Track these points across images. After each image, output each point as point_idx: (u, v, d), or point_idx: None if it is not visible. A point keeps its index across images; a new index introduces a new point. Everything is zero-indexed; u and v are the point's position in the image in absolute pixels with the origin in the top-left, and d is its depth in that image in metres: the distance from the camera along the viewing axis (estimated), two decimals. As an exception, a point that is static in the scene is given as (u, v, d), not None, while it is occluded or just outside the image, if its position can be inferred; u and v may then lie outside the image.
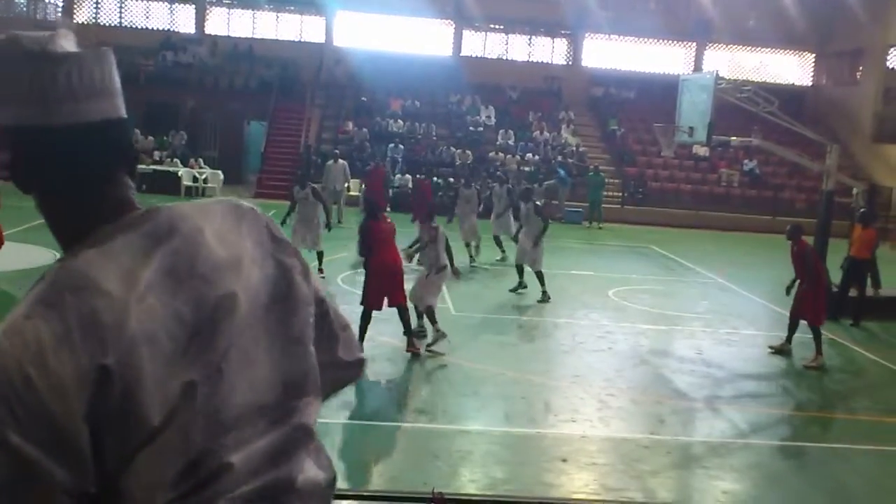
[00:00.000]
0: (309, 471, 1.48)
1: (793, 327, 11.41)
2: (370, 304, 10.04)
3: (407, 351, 10.38)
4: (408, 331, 10.36)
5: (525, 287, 14.34)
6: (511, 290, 14.37)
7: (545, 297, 13.80)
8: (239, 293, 1.40)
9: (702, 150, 29.33)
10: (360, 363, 1.75)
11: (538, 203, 15.09)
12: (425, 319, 10.97)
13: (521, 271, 14.39)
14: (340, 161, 22.80)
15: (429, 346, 10.51)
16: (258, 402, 1.40)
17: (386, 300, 10.15)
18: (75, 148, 1.39)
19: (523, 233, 14.41)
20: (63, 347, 1.23)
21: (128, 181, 1.47)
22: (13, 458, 1.20)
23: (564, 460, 7.55)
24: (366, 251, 10.33)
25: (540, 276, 13.94)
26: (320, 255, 14.53)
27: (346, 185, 23.30)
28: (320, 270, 14.31)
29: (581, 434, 8.22)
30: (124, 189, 1.45)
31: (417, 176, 25.79)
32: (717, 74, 15.18)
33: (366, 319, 10.00)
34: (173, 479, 1.30)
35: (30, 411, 1.21)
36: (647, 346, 11.93)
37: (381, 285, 10.04)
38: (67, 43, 1.42)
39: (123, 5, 32.84)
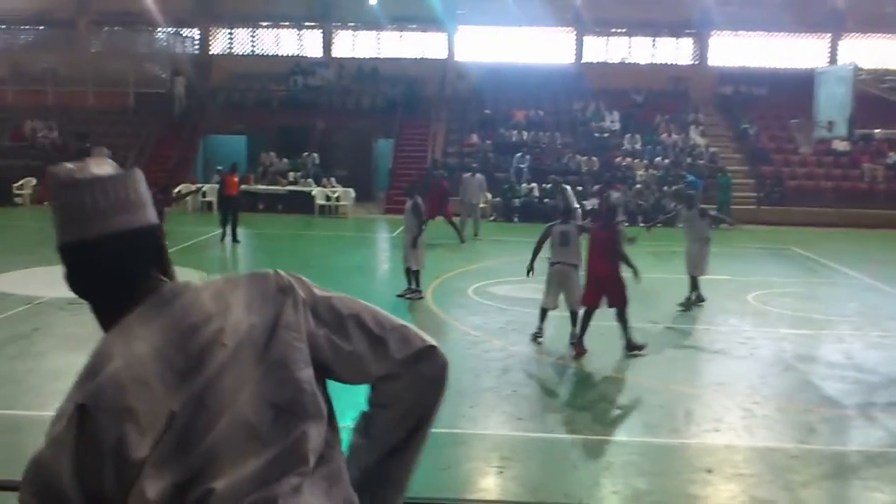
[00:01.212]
0: (307, 499, 1.55)
1: None
2: (584, 302, 10.86)
3: (574, 350, 10.79)
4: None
5: (703, 300, 13.86)
6: (681, 305, 13.73)
7: (693, 302, 13.56)
8: (226, 331, 1.58)
9: (842, 145, 28.05)
10: (429, 350, 1.78)
11: (703, 207, 14.63)
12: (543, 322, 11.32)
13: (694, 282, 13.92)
14: (477, 175, 22.76)
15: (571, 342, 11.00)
16: (246, 428, 1.53)
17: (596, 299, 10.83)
18: (108, 256, 1.63)
19: (689, 240, 13.90)
20: (67, 423, 1.55)
21: (158, 275, 1.69)
22: None
23: (709, 471, 7.36)
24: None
25: (696, 281, 13.71)
26: (416, 274, 14.03)
27: (482, 198, 23.36)
28: (416, 290, 14.00)
29: (725, 444, 8.00)
30: (155, 281, 1.67)
31: (435, 173, 24.78)
32: (856, 65, 14.56)
33: (586, 317, 10.78)
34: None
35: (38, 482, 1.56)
36: (791, 352, 11.50)
37: (590, 288, 10.84)
38: (99, 167, 1.65)
39: (255, 34, 34.20)
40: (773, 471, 7.42)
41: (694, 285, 13.79)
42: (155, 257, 1.69)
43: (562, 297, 11.16)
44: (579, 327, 10.82)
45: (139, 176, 1.71)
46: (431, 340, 1.78)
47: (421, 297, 13.93)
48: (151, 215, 1.70)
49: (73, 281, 1.66)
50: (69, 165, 1.65)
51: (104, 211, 1.62)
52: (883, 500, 6.91)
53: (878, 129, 16.65)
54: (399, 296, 13.95)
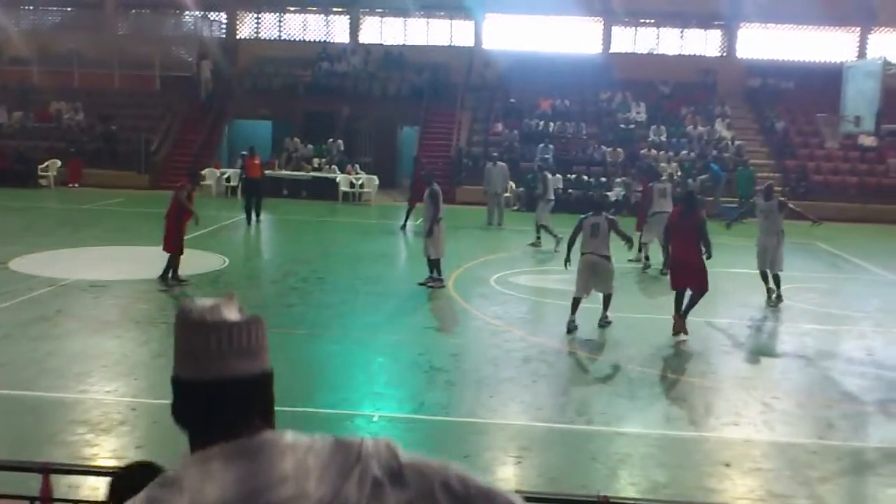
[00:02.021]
0: None
1: None
2: (672, 287, 11.52)
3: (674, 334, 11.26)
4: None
5: (780, 299, 13.60)
6: (769, 304, 13.56)
7: (774, 301, 13.44)
8: (295, 499, 1.60)
9: (869, 140, 27.80)
10: None
11: (782, 199, 14.35)
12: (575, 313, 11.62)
13: (765, 278, 13.67)
14: (500, 164, 22.73)
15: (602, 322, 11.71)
16: None
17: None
18: (219, 398, 1.67)
19: (764, 233, 13.65)
20: None
21: (259, 421, 1.70)
22: None
23: (727, 465, 7.38)
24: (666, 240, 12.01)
25: (777, 279, 13.47)
26: (436, 263, 14.07)
27: (505, 187, 23.34)
28: (438, 279, 14.04)
29: (744, 438, 8.01)
30: (254, 427, 1.68)
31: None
32: (885, 60, 14.40)
33: (676, 299, 11.40)
34: None
35: None
36: (812, 347, 11.46)
37: (676, 273, 11.44)
38: (229, 311, 1.70)
39: (282, 19, 34.29)
40: (791, 466, 7.43)
41: (776, 282, 13.39)
42: (262, 403, 1.72)
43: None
44: (674, 308, 11.37)
45: (263, 324, 1.73)
46: (518, 500, 1.75)
47: (443, 286, 13.99)
48: (267, 363, 1.73)
49: (178, 411, 1.70)
50: (201, 305, 1.69)
51: (225, 355, 1.66)
52: (901, 498, 6.91)
53: (906, 124, 16.45)
54: (421, 284, 14.02)
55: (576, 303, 11.51)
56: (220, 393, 1.66)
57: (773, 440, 8.04)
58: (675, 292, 11.40)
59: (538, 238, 18.72)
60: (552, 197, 19.55)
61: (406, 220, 20.75)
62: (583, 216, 11.88)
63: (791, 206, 14.28)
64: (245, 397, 1.68)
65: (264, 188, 22.60)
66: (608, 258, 11.61)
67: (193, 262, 14.21)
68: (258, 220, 21.43)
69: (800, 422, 8.61)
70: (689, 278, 11.21)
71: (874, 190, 27.56)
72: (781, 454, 7.73)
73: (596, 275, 11.57)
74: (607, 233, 11.51)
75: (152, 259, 14.07)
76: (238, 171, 27.30)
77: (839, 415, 8.82)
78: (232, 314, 1.69)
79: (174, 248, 13.36)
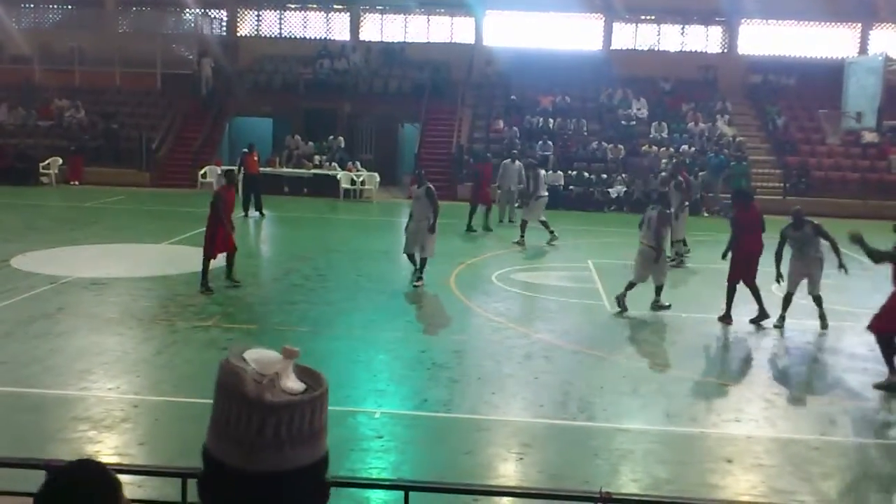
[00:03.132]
0: None
1: None
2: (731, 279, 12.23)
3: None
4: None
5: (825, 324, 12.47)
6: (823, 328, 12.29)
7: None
8: None
9: (870, 136, 27.76)
10: None
11: (816, 224, 12.44)
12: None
13: (789, 300, 12.26)
14: (517, 162, 22.52)
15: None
16: None
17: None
18: (264, 491, 1.35)
19: (799, 260, 12.31)
20: None
21: None
22: None
23: (730, 461, 7.38)
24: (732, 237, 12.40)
25: (819, 300, 12.29)
26: (423, 262, 13.89)
27: (520, 185, 23.24)
28: (419, 278, 13.85)
29: (746, 434, 8.01)
30: None
31: (481, 158, 24.52)
32: (887, 56, 14.40)
33: (730, 292, 12.15)
34: None
35: None
36: (814, 344, 11.47)
37: (738, 267, 12.17)
38: (290, 380, 1.36)
39: (283, 17, 34.26)
40: (793, 462, 7.43)
41: (817, 303, 12.12)
42: (318, 492, 1.42)
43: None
44: (728, 301, 12.14)
45: (326, 394, 1.40)
46: None
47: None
48: (324, 446, 1.40)
49: (212, 497, 1.40)
50: (256, 373, 1.34)
51: (284, 444, 1.33)
52: (903, 494, 6.91)
53: (907, 120, 16.46)
54: (416, 286, 13.86)
55: (631, 286, 12.41)
56: (273, 485, 1.35)
57: (774, 436, 8.04)
58: (727, 284, 12.15)
59: (522, 237, 18.51)
60: (544, 193, 19.47)
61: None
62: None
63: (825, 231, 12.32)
64: (301, 488, 1.38)
65: (263, 184, 22.85)
66: (653, 248, 12.38)
67: (193, 259, 14.19)
68: (262, 216, 21.66)
69: (802, 418, 8.61)
70: (749, 266, 12.07)
71: (875, 186, 27.52)
72: (783, 450, 7.73)
73: (644, 264, 12.51)
74: (656, 225, 12.40)
75: (153, 256, 14.09)
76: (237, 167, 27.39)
77: (841, 411, 8.82)
78: (294, 384, 1.36)
79: (213, 252, 12.94)
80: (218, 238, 12.86)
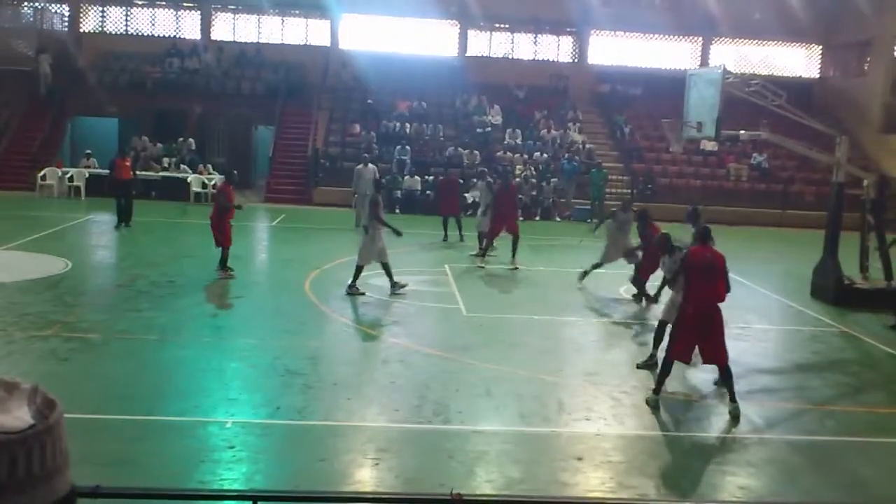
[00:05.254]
0: None
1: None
2: None
3: None
4: None
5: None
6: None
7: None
8: None
9: (710, 145, 29.23)
10: None
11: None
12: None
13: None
14: (370, 165, 22.23)
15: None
16: None
17: None
18: None
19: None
20: None
21: None
22: None
23: (580, 459, 7.55)
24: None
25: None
26: (360, 269, 13.88)
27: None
28: (393, 284, 13.89)
29: (596, 432, 8.22)
30: None
31: (447, 171, 25.12)
32: (725, 69, 15.11)
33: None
34: None
35: None
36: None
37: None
38: (7, 413, 1.11)
39: (129, 13, 32.96)
40: (640, 458, 7.67)
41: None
42: None
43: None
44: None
45: (62, 420, 1.15)
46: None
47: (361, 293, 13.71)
48: (66, 482, 1.17)
49: None
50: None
51: (22, 485, 1.09)
52: (740, 483, 7.24)
53: (743, 130, 17.35)
54: (349, 293, 13.59)
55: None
56: None
57: (622, 433, 8.29)
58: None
59: (482, 249, 17.90)
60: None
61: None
62: None
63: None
64: None
65: (133, 190, 21.38)
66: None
67: (30, 266, 13.38)
68: (128, 226, 20.33)
69: (648, 415, 8.90)
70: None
71: (715, 192, 28.98)
72: (631, 447, 7.97)
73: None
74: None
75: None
76: (83, 170, 26.10)
77: (684, 407, 9.19)
78: (15, 420, 1.10)
79: (226, 242, 14.58)
80: (227, 228, 14.61)
